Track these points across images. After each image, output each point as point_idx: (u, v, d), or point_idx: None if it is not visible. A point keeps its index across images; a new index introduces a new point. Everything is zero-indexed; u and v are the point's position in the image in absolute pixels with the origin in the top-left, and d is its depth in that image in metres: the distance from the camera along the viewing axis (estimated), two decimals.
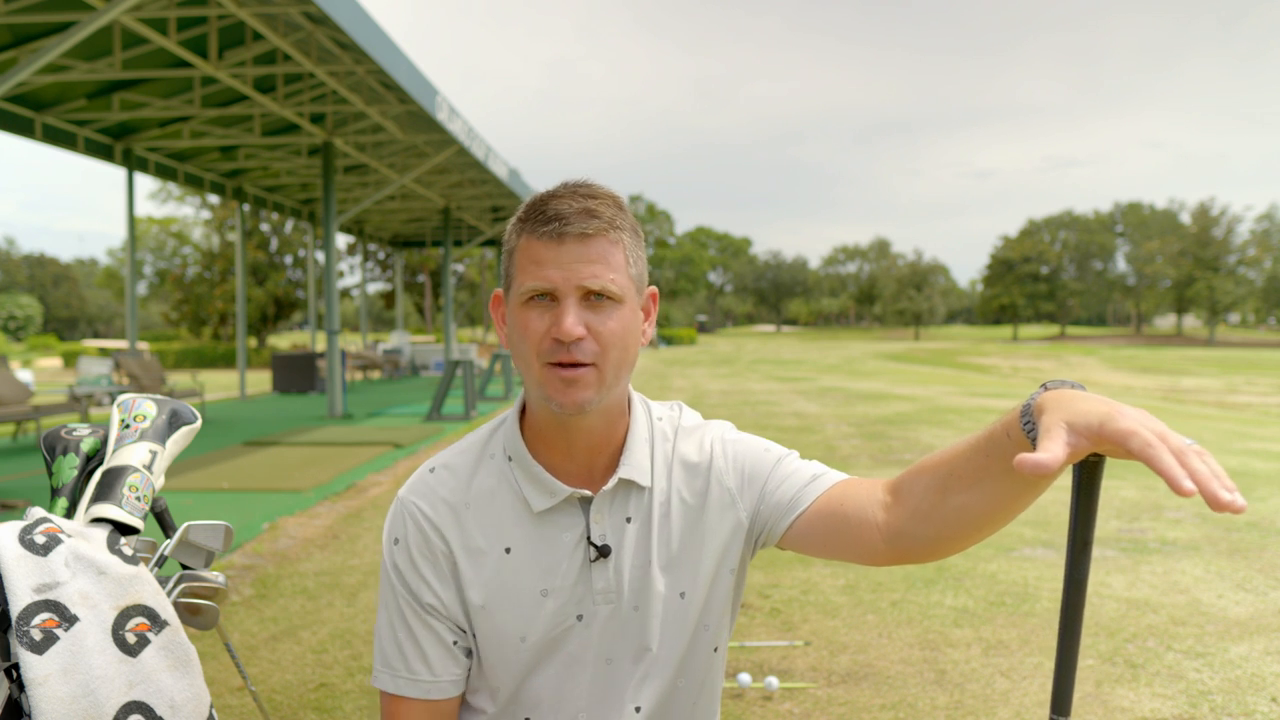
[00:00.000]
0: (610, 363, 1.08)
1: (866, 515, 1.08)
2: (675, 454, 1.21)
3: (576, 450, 1.16)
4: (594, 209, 1.07)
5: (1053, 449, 0.77)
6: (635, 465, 1.17)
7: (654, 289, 1.19)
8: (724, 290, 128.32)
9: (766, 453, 1.21)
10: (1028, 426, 0.87)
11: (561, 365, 1.06)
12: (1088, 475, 0.82)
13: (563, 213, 1.06)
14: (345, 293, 50.97)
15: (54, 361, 39.86)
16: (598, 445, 1.16)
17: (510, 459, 1.18)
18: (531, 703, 1.18)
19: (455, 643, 1.17)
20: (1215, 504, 0.70)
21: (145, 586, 0.94)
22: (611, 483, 1.15)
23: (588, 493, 1.15)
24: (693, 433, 1.23)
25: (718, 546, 1.18)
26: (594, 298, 1.07)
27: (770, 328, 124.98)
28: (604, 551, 1.15)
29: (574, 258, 1.06)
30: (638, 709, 1.17)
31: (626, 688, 1.18)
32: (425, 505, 1.17)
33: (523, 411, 1.21)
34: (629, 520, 1.17)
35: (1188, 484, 0.70)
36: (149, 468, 1.05)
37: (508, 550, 1.15)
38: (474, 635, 1.18)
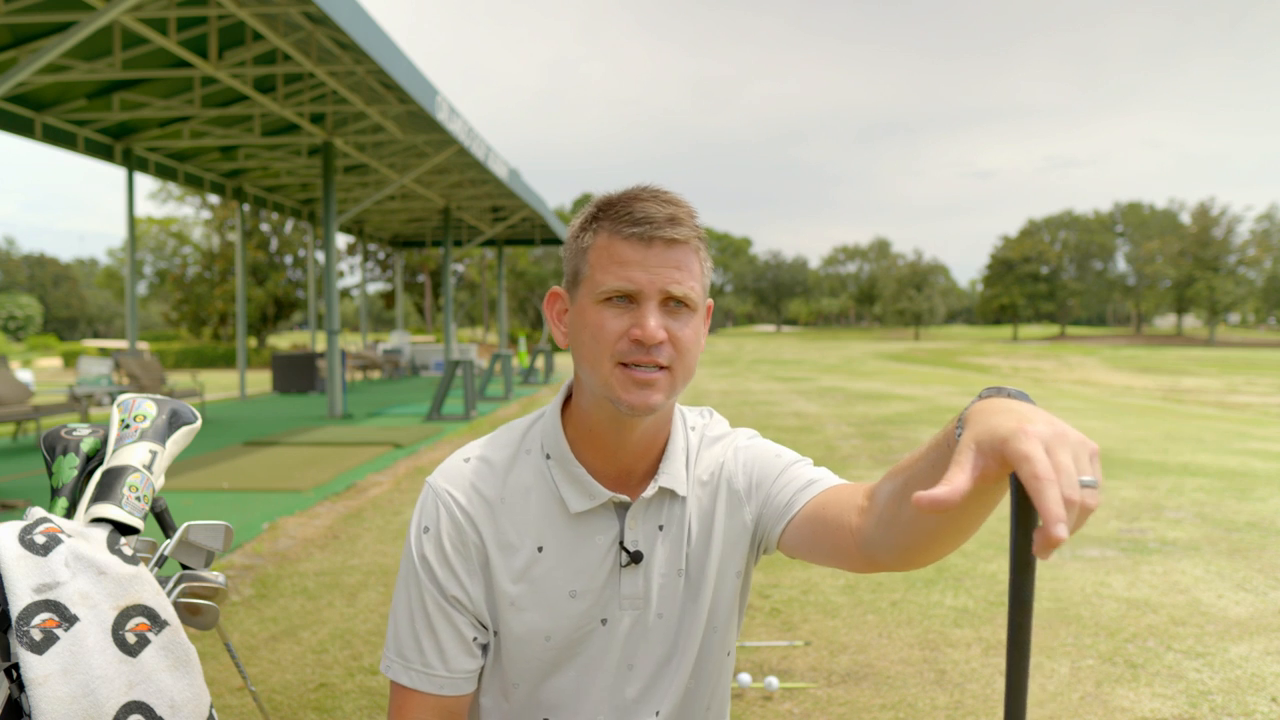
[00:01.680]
0: (682, 368, 1.09)
1: (843, 520, 1.06)
2: (700, 462, 1.21)
3: (622, 454, 1.14)
4: (679, 216, 1.07)
5: (954, 479, 0.71)
6: (674, 474, 1.16)
7: (711, 301, 1.18)
8: (724, 290, 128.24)
9: (777, 458, 1.20)
10: (960, 437, 0.82)
11: (637, 366, 1.06)
12: (1024, 490, 0.73)
13: (652, 216, 1.05)
14: (345, 293, 50.95)
15: (54, 361, 39.85)
16: (642, 451, 1.16)
17: (549, 456, 1.16)
18: (551, 704, 1.17)
19: (475, 639, 1.15)
20: (1039, 547, 0.64)
21: (145, 586, 0.94)
22: (651, 490, 1.15)
23: (626, 498, 1.15)
24: (716, 441, 1.23)
25: (726, 550, 1.18)
26: (672, 304, 1.07)
27: (770, 328, 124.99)
28: (636, 558, 1.14)
29: (660, 262, 1.05)
30: (657, 713, 1.17)
31: (647, 693, 1.17)
32: (460, 495, 1.15)
33: (563, 408, 1.19)
34: (661, 528, 1.17)
35: (1060, 530, 0.63)
36: (149, 468, 1.05)
37: (540, 549, 1.14)
38: (496, 632, 1.17)
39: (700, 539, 1.18)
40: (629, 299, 1.06)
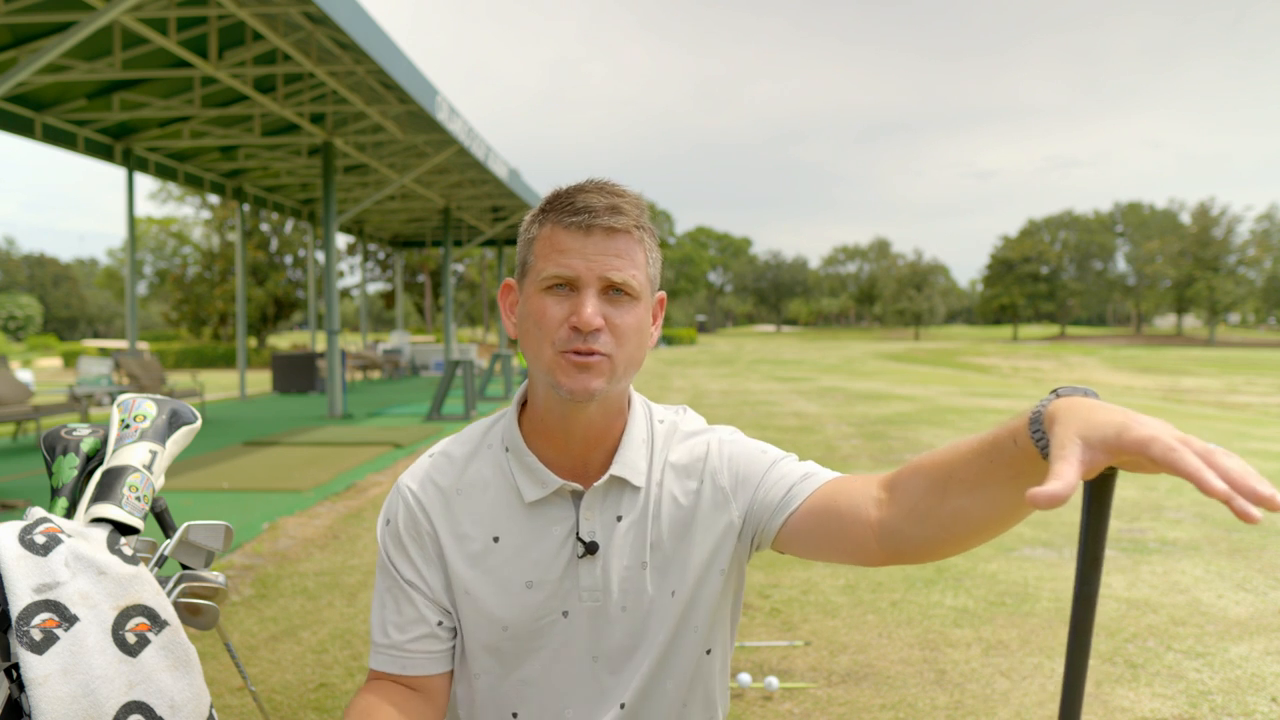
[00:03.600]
0: (623, 356, 1.10)
1: (860, 513, 1.05)
2: (671, 455, 1.21)
3: (573, 443, 1.16)
4: (621, 206, 1.09)
5: (1065, 474, 0.71)
6: (628, 464, 1.17)
7: (663, 294, 1.20)
8: (724, 290, 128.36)
9: (763, 454, 1.20)
10: (1037, 435, 0.83)
11: (576, 354, 1.07)
12: (1099, 488, 0.76)
13: (592, 205, 1.08)
14: (345, 293, 50.96)
15: (54, 361, 39.84)
16: (594, 440, 1.16)
17: (507, 449, 1.19)
18: (517, 696, 1.18)
19: (440, 623, 1.18)
20: (1256, 498, 0.64)
21: (145, 586, 0.94)
22: (604, 479, 1.15)
23: (579, 486, 1.16)
24: (691, 436, 1.23)
25: (708, 546, 1.18)
26: (613, 291, 1.09)
27: (770, 328, 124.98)
28: (591, 548, 1.15)
29: (599, 250, 1.08)
30: (622, 705, 1.17)
31: (613, 686, 1.17)
32: (416, 487, 1.20)
33: (523, 405, 1.21)
34: (619, 519, 1.17)
35: (1217, 483, 0.65)
36: (149, 468, 1.05)
37: (496, 539, 1.16)
38: (459, 620, 1.19)
39: (673, 533, 1.18)
40: (569, 286, 1.08)
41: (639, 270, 1.10)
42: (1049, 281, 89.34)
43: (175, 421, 1.11)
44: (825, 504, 1.10)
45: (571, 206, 1.09)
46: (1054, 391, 0.84)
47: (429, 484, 1.20)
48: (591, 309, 1.06)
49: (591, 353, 1.07)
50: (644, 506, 1.18)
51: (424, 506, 1.18)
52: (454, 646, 1.20)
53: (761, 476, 1.17)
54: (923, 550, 1.02)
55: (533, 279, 1.12)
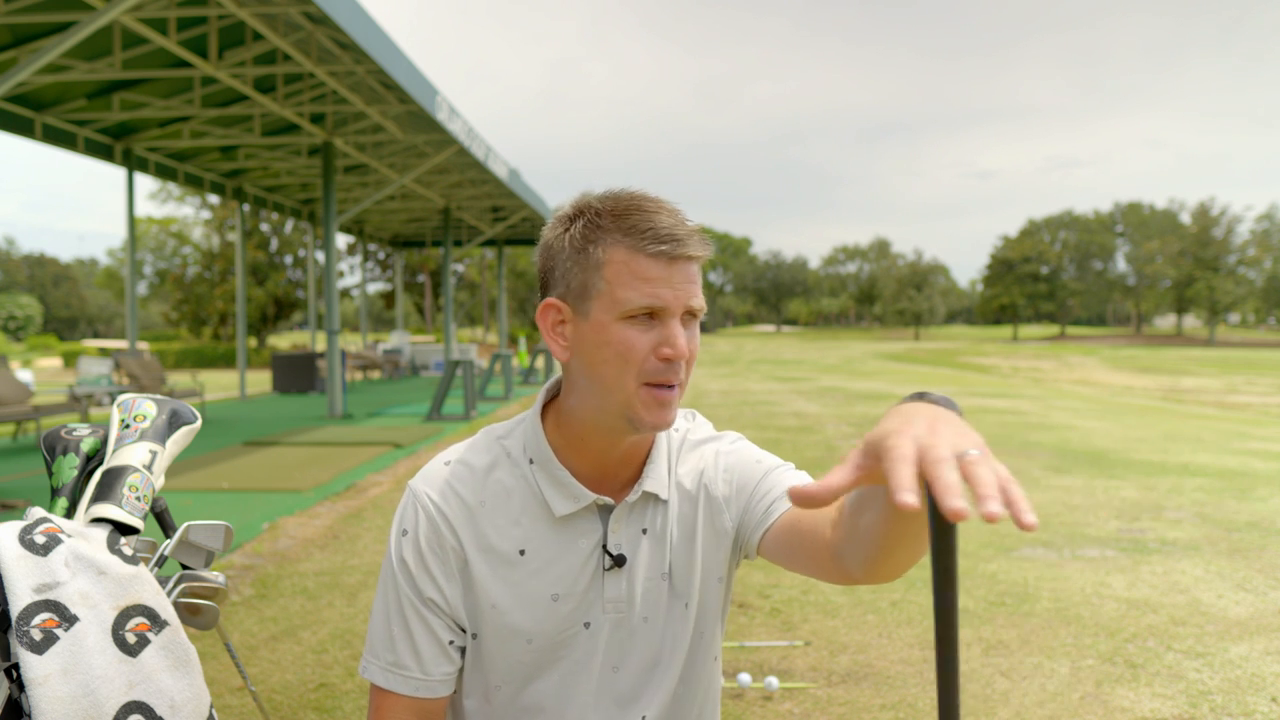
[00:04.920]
0: (688, 379, 1.10)
1: (818, 533, 1.04)
2: (681, 466, 1.21)
3: (609, 460, 1.14)
4: (698, 233, 1.08)
5: (833, 474, 0.70)
6: (658, 478, 1.17)
7: None
8: (724, 290, 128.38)
9: (758, 464, 1.19)
10: None
11: (659, 386, 1.06)
12: (940, 525, 0.66)
13: (677, 234, 1.05)
14: (345, 293, 50.96)
15: (54, 361, 39.83)
16: (629, 457, 1.16)
17: (531, 461, 1.16)
18: (535, 707, 1.17)
19: (451, 642, 1.16)
20: (952, 514, 0.61)
21: (145, 586, 0.94)
22: (635, 494, 1.15)
23: (610, 501, 1.15)
24: (698, 445, 1.23)
25: (708, 555, 1.18)
26: (687, 317, 1.08)
27: (770, 328, 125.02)
28: (619, 561, 1.14)
29: (684, 278, 1.06)
30: (644, 717, 1.17)
31: (633, 696, 1.17)
32: (438, 498, 1.15)
33: (543, 413, 1.19)
34: (644, 532, 1.17)
35: (906, 496, 0.62)
36: (149, 468, 1.05)
37: (522, 552, 1.15)
38: (475, 635, 1.17)
39: (682, 544, 1.18)
40: (650, 315, 1.06)
41: (702, 292, 1.10)
42: (1049, 281, 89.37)
43: (175, 421, 1.11)
44: (794, 523, 1.09)
45: (654, 233, 1.04)
46: (905, 397, 0.83)
47: (451, 495, 1.15)
48: (684, 340, 1.05)
49: (673, 383, 1.07)
50: (665, 518, 1.17)
51: (448, 519, 1.14)
52: (460, 668, 1.19)
53: (753, 488, 1.17)
54: (862, 570, 0.98)
55: (606, 306, 1.06)
